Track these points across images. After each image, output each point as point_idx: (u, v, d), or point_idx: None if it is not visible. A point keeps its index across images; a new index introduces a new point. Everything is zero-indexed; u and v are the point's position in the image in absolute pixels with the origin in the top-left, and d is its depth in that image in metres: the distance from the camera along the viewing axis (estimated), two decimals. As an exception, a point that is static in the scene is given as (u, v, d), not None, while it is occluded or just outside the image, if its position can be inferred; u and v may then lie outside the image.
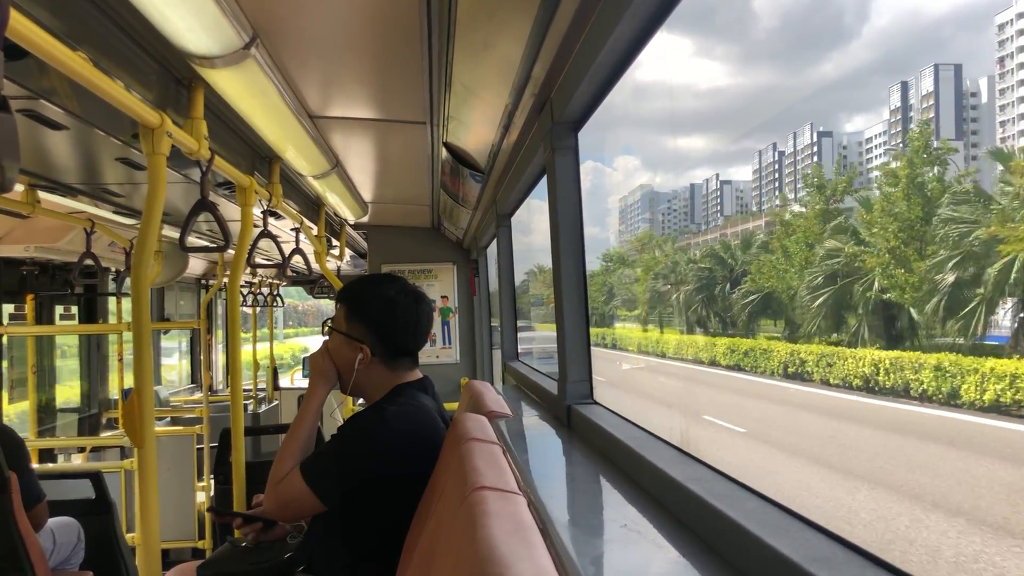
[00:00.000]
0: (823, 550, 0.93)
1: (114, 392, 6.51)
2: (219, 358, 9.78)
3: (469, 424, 1.83)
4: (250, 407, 7.86)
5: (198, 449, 5.21)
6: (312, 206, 4.65)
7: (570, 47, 1.82)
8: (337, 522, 2.09)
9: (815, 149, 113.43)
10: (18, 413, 5.94)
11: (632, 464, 1.55)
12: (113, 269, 5.67)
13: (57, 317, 5.96)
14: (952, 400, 23.91)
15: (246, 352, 8.41)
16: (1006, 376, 22.16)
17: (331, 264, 6.26)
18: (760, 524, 1.01)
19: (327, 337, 2.30)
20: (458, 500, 1.33)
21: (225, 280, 6.32)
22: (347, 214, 5.07)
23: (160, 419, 6.33)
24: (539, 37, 1.85)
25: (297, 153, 3.24)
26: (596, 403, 2.27)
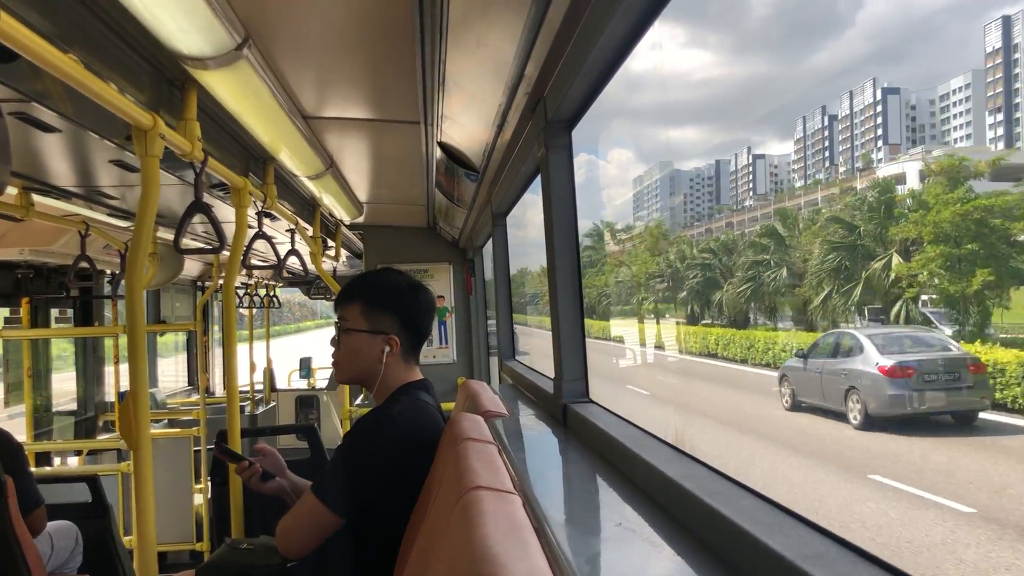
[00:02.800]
0: (816, 547, 0.93)
1: (110, 395, 6.51)
2: (215, 360, 9.78)
3: (465, 424, 1.82)
4: (247, 409, 7.86)
5: (195, 451, 5.21)
6: (307, 207, 4.64)
7: (563, 45, 1.82)
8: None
9: (878, 110, 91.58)
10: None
11: (628, 463, 1.55)
12: (108, 271, 5.67)
13: (53, 320, 5.95)
14: None
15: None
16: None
17: (327, 265, 6.26)
18: (754, 522, 1.02)
19: (337, 341, 2.24)
20: (453, 500, 1.32)
21: (221, 282, 6.32)
22: (342, 214, 5.07)
23: (157, 421, 6.32)
24: (532, 35, 1.85)
25: (291, 154, 3.23)
26: (592, 402, 2.27)
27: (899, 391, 14.51)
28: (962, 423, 14.68)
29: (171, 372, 9.41)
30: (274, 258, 4.13)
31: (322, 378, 11.17)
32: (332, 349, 2.26)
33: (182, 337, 9.40)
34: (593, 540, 1.27)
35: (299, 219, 4.23)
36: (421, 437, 2.05)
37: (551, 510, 1.34)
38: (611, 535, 1.27)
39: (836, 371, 15.85)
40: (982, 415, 14.86)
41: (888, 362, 14.76)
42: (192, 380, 9.20)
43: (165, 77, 2.26)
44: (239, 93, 2.34)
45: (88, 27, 1.83)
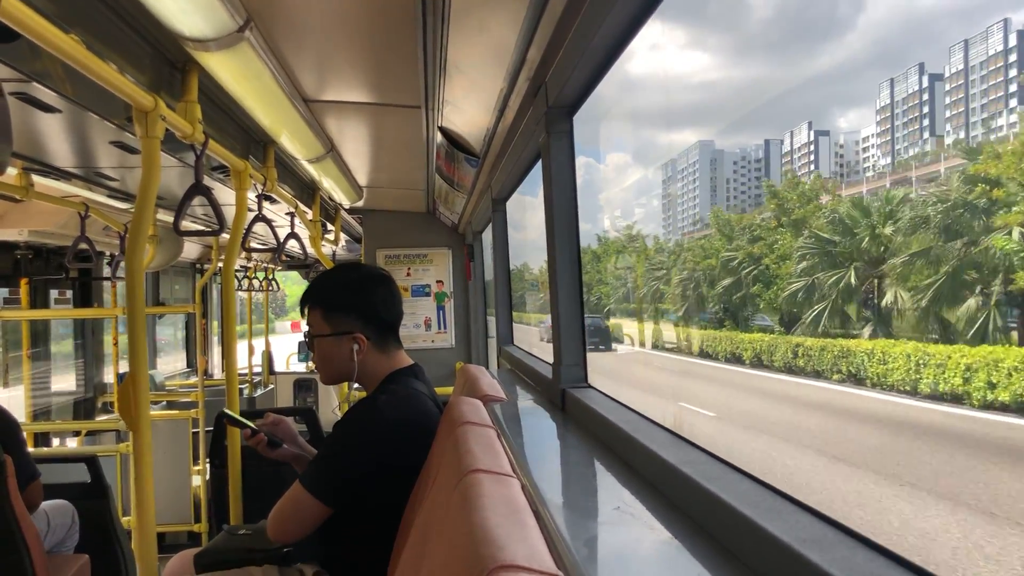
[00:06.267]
0: (814, 531, 0.94)
1: (109, 376, 6.52)
2: (215, 342, 9.80)
3: (464, 408, 1.83)
4: (245, 391, 7.87)
5: (194, 433, 5.22)
6: (307, 190, 4.64)
7: (565, 30, 1.82)
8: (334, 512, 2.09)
9: (1010, 60, 63.82)
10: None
11: (626, 447, 1.56)
12: (108, 253, 5.67)
13: (52, 301, 5.95)
14: None
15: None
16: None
17: (326, 248, 6.27)
18: (752, 506, 1.02)
19: (311, 352, 2.25)
20: (452, 483, 1.33)
21: (220, 264, 6.32)
22: (342, 198, 5.07)
23: (156, 403, 6.34)
24: (534, 20, 1.85)
25: (292, 137, 3.23)
26: (590, 387, 2.28)
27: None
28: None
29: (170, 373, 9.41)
30: (273, 241, 4.13)
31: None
32: None
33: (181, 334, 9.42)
34: (591, 523, 1.27)
35: (299, 202, 4.23)
36: (408, 425, 2.05)
37: (549, 493, 1.35)
38: (609, 518, 1.28)
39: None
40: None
41: (544, 323, 32.55)
42: (191, 362, 9.21)
43: (166, 58, 2.26)
44: (240, 75, 2.33)
45: (89, 7, 1.83)
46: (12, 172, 3.35)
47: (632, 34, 1.69)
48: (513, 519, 1.07)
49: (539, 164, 2.44)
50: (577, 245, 2.35)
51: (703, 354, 38.58)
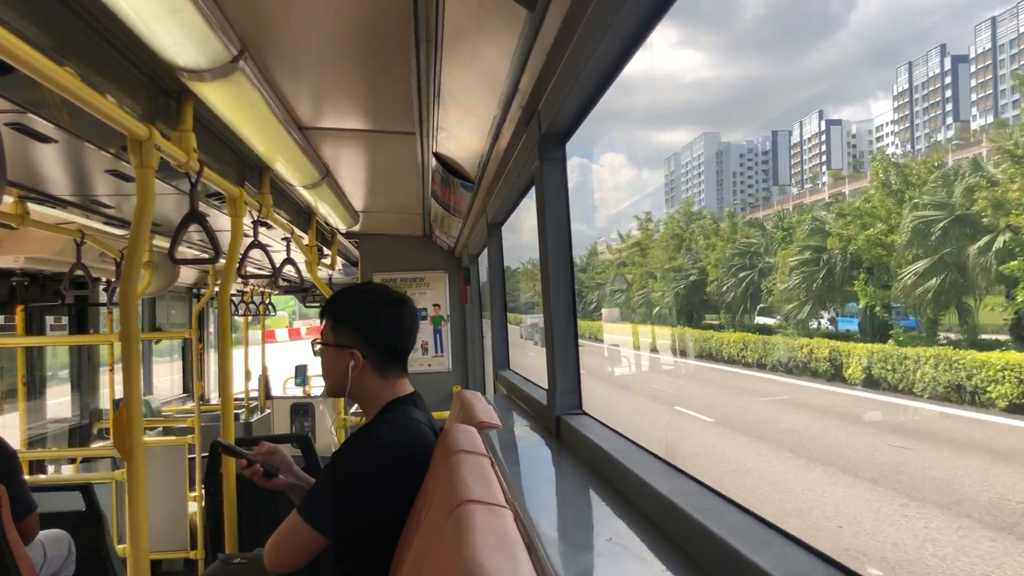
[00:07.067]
0: (804, 566, 0.94)
1: (105, 403, 6.50)
2: (211, 367, 9.77)
3: (458, 435, 1.82)
4: (242, 416, 7.84)
5: (190, 459, 5.19)
6: (303, 216, 4.65)
7: (556, 61, 1.83)
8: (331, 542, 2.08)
9: None
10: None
11: (619, 476, 1.55)
12: (104, 279, 5.67)
13: (48, 328, 5.94)
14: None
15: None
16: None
17: (322, 273, 6.27)
18: (742, 539, 1.02)
19: (318, 357, 2.28)
20: (445, 513, 1.33)
21: (216, 289, 6.31)
22: (338, 223, 5.08)
23: (152, 429, 6.31)
24: (525, 51, 1.86)
25: (287, 164, 3.24)
26: (585, 413, 2.28)
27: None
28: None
29: (166, 375, 9.38)
30: (269, 266, 4.13)
31: (317, 386, 11.14)
32: None
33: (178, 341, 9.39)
34: (584, 556, 1.27)
35: (295, 228, 4.23)
36: (407, 455, 2.04)
37: (542, 524, 1.34)
38: (602, 550, 1.27)
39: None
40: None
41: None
42: (187, 387, 9.18)
43: (161, 89, 2.27)
44: (235, 104, 2.35)
45: (84, 40, 1.84)
46: (8, 200, 3.36)
47: (623, 63, 1.71)
48: (504, 552, 1.06)
49: (533, 189, 2.45)
50: (570, 269, 2.35)
51: (870, 382, 22.71)
